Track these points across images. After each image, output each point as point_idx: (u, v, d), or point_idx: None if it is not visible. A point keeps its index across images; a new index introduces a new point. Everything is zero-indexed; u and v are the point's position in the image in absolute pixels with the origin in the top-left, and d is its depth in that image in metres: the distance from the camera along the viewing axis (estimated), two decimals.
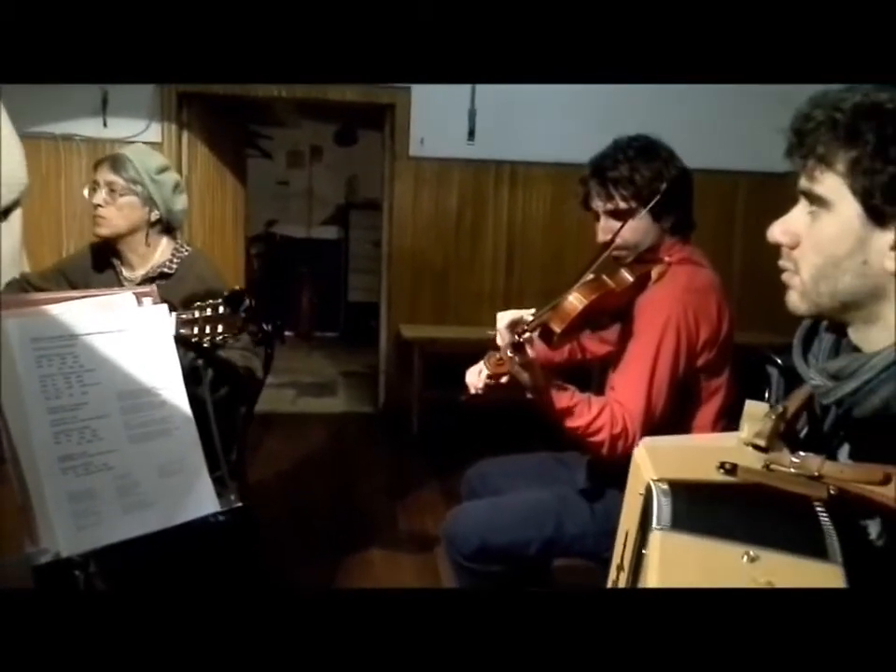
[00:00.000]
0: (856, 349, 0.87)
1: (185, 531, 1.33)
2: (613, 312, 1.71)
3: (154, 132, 4.36)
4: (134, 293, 1.47)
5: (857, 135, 0.77)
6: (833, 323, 0.90)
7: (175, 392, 1.37)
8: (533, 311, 1.50)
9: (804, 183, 0.84)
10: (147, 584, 1.55)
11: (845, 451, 0.87)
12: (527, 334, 1.46)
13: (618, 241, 1.69)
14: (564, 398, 1.53)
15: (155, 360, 1.37)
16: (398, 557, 2.84)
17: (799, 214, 0.86)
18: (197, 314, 1.55)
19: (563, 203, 4.58)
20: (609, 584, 0.90)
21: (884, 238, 0.79)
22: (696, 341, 1.63)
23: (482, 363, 1.68)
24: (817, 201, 0.83)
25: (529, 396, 1.54)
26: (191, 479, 1.33)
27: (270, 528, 2.70)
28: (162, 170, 2.08)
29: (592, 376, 2.67)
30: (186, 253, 2.11)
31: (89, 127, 4.29)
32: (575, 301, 1.54)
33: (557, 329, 1.53)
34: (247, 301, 1.56)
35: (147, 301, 1.46)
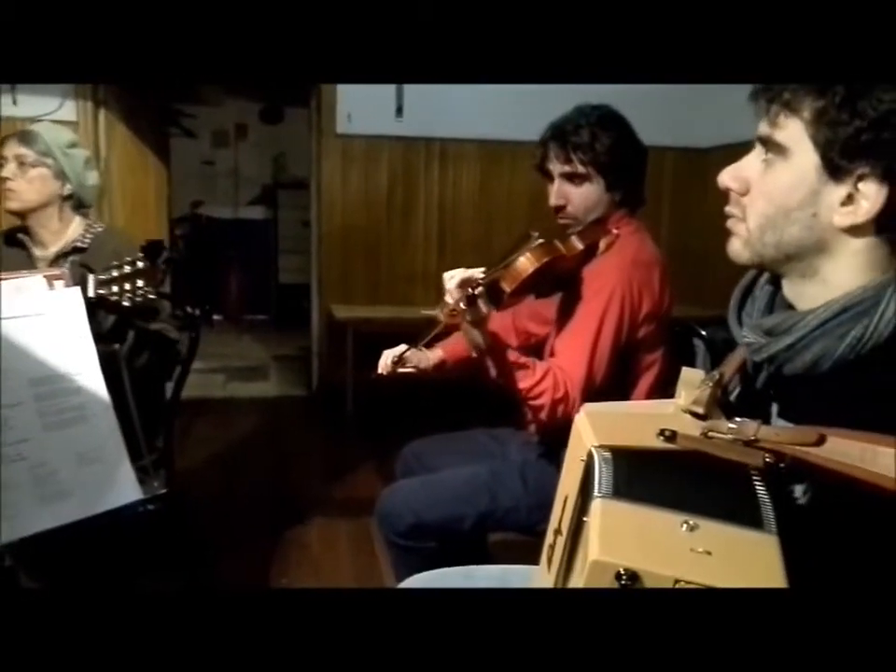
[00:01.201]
0: (789, 307, 0.87)
1: (111, 520, 1.28)
2: (560, 278, 1.73)
3: (69, 110, 4.15)
4: (45, 276, 1.40)
5: (827, 85, 0.76)
6: (770, 280, 0.90)
7: (91, 378, 1.30)
8: (483, 270, 1.52)
9: (763, 129, 0.83)
10: (71, 576, 1.49)
11: (774, 409, 0.88)
12: (480, 288, 1.47)
13: (569, 208, 1.72)
14: (507, 358, 1.55)
15: (69, 345, 1.30)
16: (335, 539, 2.82)
17: (753, 160, 0.85)
18: (115, 272, 1.52)
19: (494, 180, 4.58)
20: (546, 548, 0.89)
21: (836, 192, 0.78)
22: (639, 313, 1.65)
23: (396, 348, 1.75)
24: (774, 148, 0.82)
25: (475, 355, 1.56)
26: (112, 466, 1.27)
27: (204, 515, 2.65)
28: (72, 145, 2.06)
29: None
30: (100, 229, 2.08)
31: None
32: (526, 262, 1.57)
33: (507, 288, 1.56)
34: (166, 252, 1.54)
35: (58, 284, 1.39)
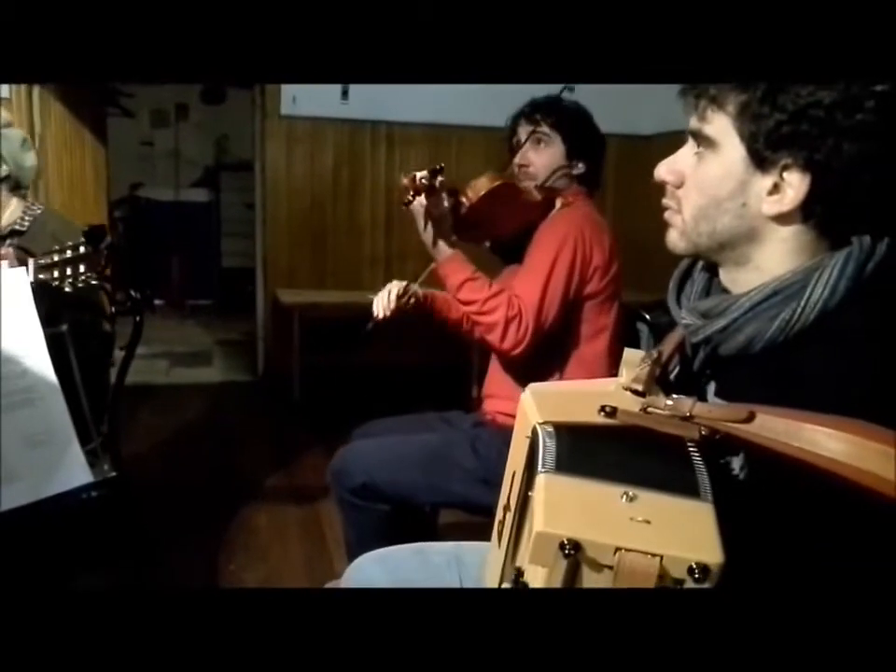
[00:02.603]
0: (725, 291, 0.92)
1: (58, 506, 1.27)
2: (518, 223, 1.86)
3: (2, 86, 4.02)
4: None
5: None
6: (707, 265, 0.95)
7: (38, 360, 1.28)
8: None
9: (694, 123, 0.86)
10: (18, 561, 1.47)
11: (712, 388, 0.92)
12: (441, 177, 1.68)
13: (531, 168, 1.87)
14: (466, 269, 1.70)
15: (15, 327, 1.28)
16: (282, 525, 2.82)
17: (686, 154, 0.89)
18: (56, 257, 1.50)
19: (441, 164, 4.57)
20: (496, 524, 0.92)
21: (763, 182, 0.82)
22: (589, 262, 1.77)
23: (391, 285, 1.87)
24: (704, 141, 0.85)
25: (435, 263, 1.72)
26: (61, 449, 1.26)
27: (149, 503, 2.61)
28: (7, 125, 2.02)
29: None
30: (38, 211, 2.04)
31: None
32: (486, 180, 1.78)
33: (467, 201, 1.76)
34: (108, 238, 1.52)
35: (4, 264, 1.37)
